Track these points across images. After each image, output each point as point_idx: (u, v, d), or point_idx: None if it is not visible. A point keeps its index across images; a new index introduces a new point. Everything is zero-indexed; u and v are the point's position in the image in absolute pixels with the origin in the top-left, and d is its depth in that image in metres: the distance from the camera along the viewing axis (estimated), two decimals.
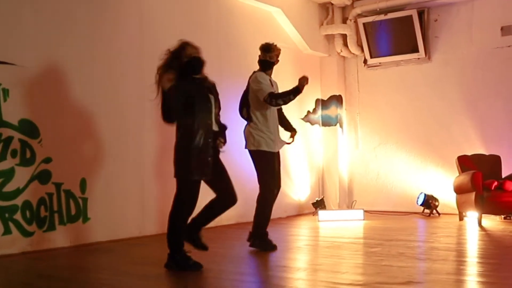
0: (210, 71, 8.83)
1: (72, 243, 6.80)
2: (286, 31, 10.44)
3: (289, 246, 6.75)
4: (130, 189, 7.59)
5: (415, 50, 10.36)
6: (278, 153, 6.60)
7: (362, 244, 6.80)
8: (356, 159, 11.23)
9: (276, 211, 9.78)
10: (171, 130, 8.16)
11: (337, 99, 11.17)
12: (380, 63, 10.91)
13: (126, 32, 7.68)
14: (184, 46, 5.57)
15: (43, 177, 6.61)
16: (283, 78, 10.31)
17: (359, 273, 5.14)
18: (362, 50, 10.92)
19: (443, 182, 10.10)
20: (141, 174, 7.73)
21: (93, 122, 7.18)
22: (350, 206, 10.79)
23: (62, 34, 6.91)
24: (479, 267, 5.34)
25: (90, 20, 7.22)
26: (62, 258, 6.13)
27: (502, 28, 9.70)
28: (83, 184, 7.00)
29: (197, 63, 5.54)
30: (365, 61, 11.07)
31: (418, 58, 10.45)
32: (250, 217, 9.10)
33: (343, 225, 8.73)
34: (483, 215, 8.63)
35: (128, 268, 5.50)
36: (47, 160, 6.64)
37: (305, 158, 10.74)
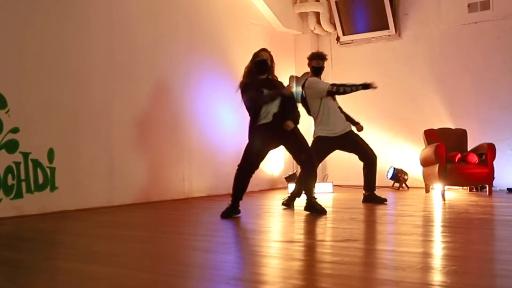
0: (180, 48, 9.11)
1: (40, 211, 6.99)
2: (259, 8, 10.60)
3: (249, 214, 6.95)
4: (99, 159, 7.78)
5: (386, 27, 10.54)
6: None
7: None
8: None
9: (249, 184, 10.05)
10: (141, 101, 8.41)
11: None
12: (352, 40, 11.09)
13: (95, 4, 7.86)
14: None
15: (10, 146, 6.79)
16: None
17: (301, 233, 5.37)
18: (335, 28, 11.10)
19: (412, 156, 10.29)
20: (110, 145, 7.92)
21: (61, 92, 7.36)
22: (322, 180, 10.98)
23: (31, 12, 7.09)
24: (422, 228, 5.56)
25: None
26: (30, 223, 6.31)
27: (469, 5, 9.89)
28: (50, 154, 7.18)
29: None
30: (338, 39, 11.24)
31: (389, 35, 10.63)
32: (221, 190, 9.41)
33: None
34: (449, 187, 8.83)
35: (92, 231, 5.71)
36: (15, 130, 6.83)
37: None
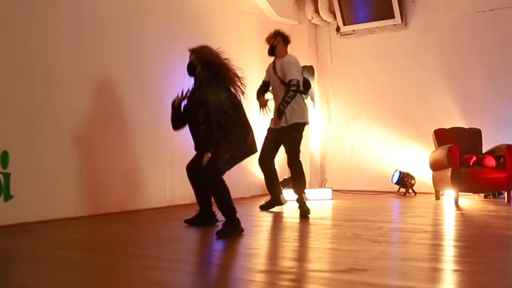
0: (160, 38, 8.11)
1: None
2: None
3: None
4: (65, 163, 6.77)
5: (391, 16, 9.60)
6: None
7: (317, 225, 6.00)
8: (329, 135, 10.46)
9: (239, 190, 9.10)
10: (114, 96, 7.42)
11: (308, 70, 10.29)
12: (353, 30, 10.14)
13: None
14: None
15: None
16: (248, 47, 9.59)
17: (294, 258, 4.32)
18: (335, 17, 10.15)
19: (420, 159, 9.36)
20: (78, 146, 6.92)
21: (19, 86, 6.35)
22: (320, 185, 10.01)
23: None
24: (443, 250, 4.57)
25: None
26: None
27: None
28: (4, 158, 6.16)
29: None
30: (337, 29, 10.30)
31: (394, 25, 9.68)
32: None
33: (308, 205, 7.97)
34: (461, 193, 7.91)
35: (36, 253, 4.70)
36: None
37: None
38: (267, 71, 7.32)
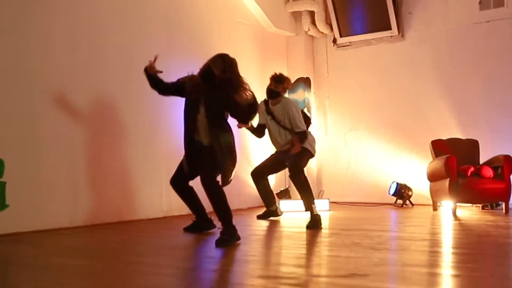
0: (157, 48, 8.09)
1: None
2: (247, 6, 9.63)
3: None
4: (60, 171, 6.73)
5: (388, 27, 9.64)
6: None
7: (315, 234, 5.96)
8: (325, 146, 10.45)
9: (236, 202, 9.06)
10: (111, 105, 7.40)
11: (304, 82, 10.38)
12: (350, 42, 10.16)
13: (60, 5, 6.86)
14: None
15: None
16: (244, 57, 9.59)
17: (296, 265, 4.28)
18: (331, 29, 10.19)
19: (417, 170, 9.35)
20: (73, 155, 6.89)
21: (15, 94, 6.34)
22: (317, 196, 9.97)
23: None
24: (442, 257, 4.54)
25: None
26: None
27: (480, 2, 8.98)
28: (0, 166, 6.14)
29: None
30: (334, 41, 10.32)
31: (391, 36, 9.70)
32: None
33: (305, 216, 7.93)
34: (458, 204, 7.88)
35: (34, 261, 4.66)
36: None
37: (269, 145, 9.90)
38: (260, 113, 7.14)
